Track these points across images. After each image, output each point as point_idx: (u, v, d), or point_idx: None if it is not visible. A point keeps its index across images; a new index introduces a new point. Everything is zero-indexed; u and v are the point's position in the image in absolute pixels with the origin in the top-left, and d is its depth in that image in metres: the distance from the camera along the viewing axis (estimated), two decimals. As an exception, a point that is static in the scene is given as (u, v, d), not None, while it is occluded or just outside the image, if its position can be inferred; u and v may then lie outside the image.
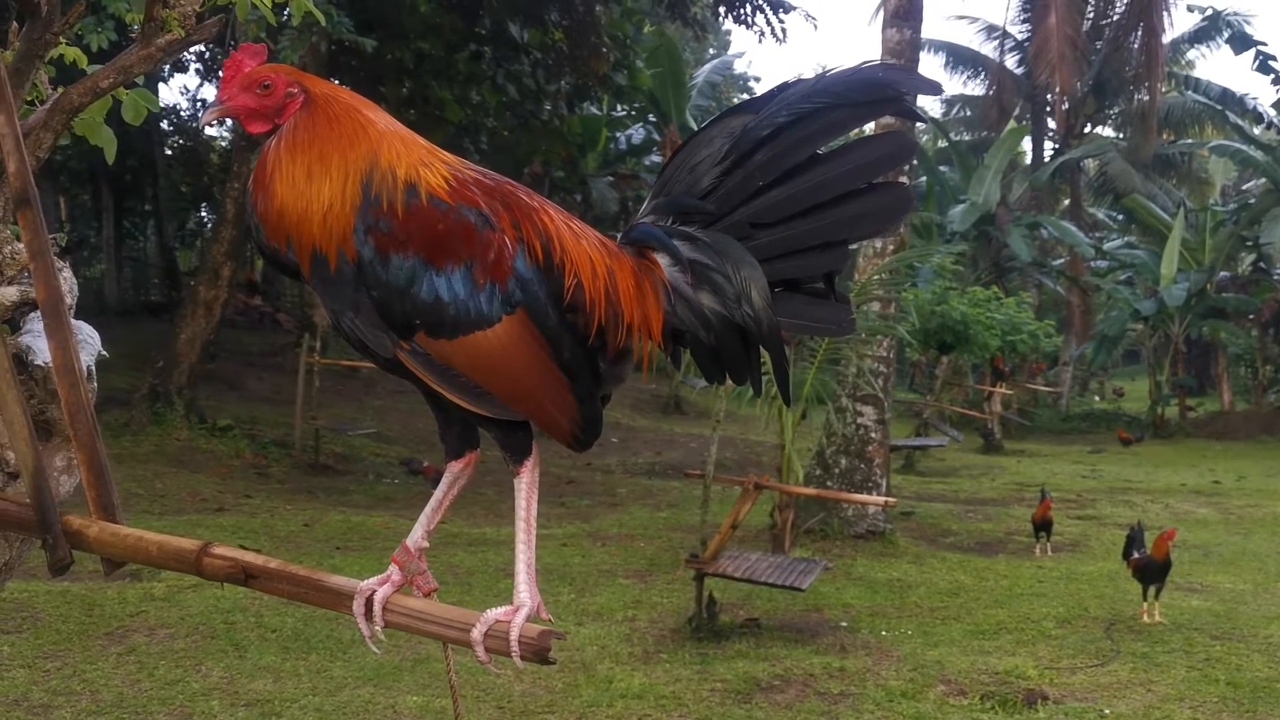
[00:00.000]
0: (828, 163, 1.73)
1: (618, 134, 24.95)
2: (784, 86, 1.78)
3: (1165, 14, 26.91)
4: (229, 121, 1.80)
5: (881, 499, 7.76)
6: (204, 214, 30.27)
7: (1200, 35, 28.27)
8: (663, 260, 1.76)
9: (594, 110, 22.76)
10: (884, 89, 1.74)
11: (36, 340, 2.28)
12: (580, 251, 1.72)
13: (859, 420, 10.29)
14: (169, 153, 25.48)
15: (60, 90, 2.72)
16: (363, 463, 13.76)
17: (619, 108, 24.13)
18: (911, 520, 11.09)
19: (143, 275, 29.08)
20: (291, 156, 1.65)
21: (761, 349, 1.77)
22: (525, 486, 1.72)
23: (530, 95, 16.87)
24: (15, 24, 2.62)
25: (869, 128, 2.43)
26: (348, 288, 1.63)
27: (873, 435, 10.31)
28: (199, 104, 25.95)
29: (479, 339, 1.63)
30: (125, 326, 19.50)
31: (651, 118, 24.54)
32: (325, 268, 1.63)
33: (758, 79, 41.89)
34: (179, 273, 26.39)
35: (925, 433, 18.12)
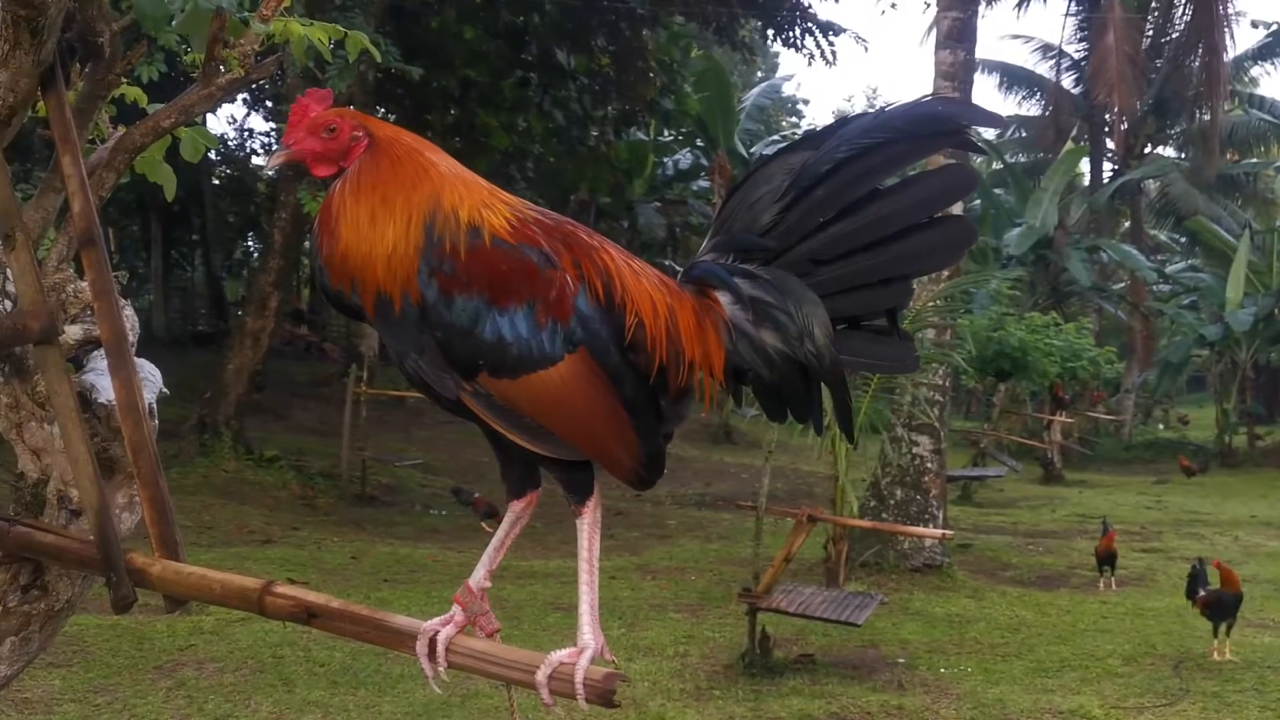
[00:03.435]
0: (888, 197, 1.76)
1: (665, 159, 25.05)
2: (843, 122, 1.82)
3: (1227, 31, 26.60)
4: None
5: (938, 531, 7.70)
6: (251, 244, 30.75)
7: (1264, 52, 27.93)
8: (723, 298, 1.78)
9: (641, 136, 22.90)
10: (944, 122, 1.76)
11: (100, 378, 2.34)
12: (641, 290, 1.75)
13: (914, 450, 10.22)
14: (216, 183, 25.93)
15: (122, 129, 2.80)
16: (410, 494, 13.86)
17: (666, 133, 24.27)
18: (969, 553, 10.98)
19: (190, 305, 29.60)
20: (356, 200, 1.70)
21: (824, 386, 1.79)
22: (587, 527, 1.75)
23: (577, 121, 17.02)
24: (77, 65, 2.70)
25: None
26: (412, 329, 1.66)
27: (929, 465, 10.24)
28: (246, 134, 26.44)
29: (541, 378, 1.66)
30: (173, 357, 19.80)
31: (699, 142, 24.62)
32: (390, 310, 1.67)
33: (806, 102, 42.08)
34: (226, 303, 26.82)
35: (983, 463, 17.92)
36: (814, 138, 1.81)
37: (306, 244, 14.55)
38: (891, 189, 1.77)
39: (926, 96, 1.79)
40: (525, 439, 1.71)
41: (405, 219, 1.68)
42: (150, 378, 2.42)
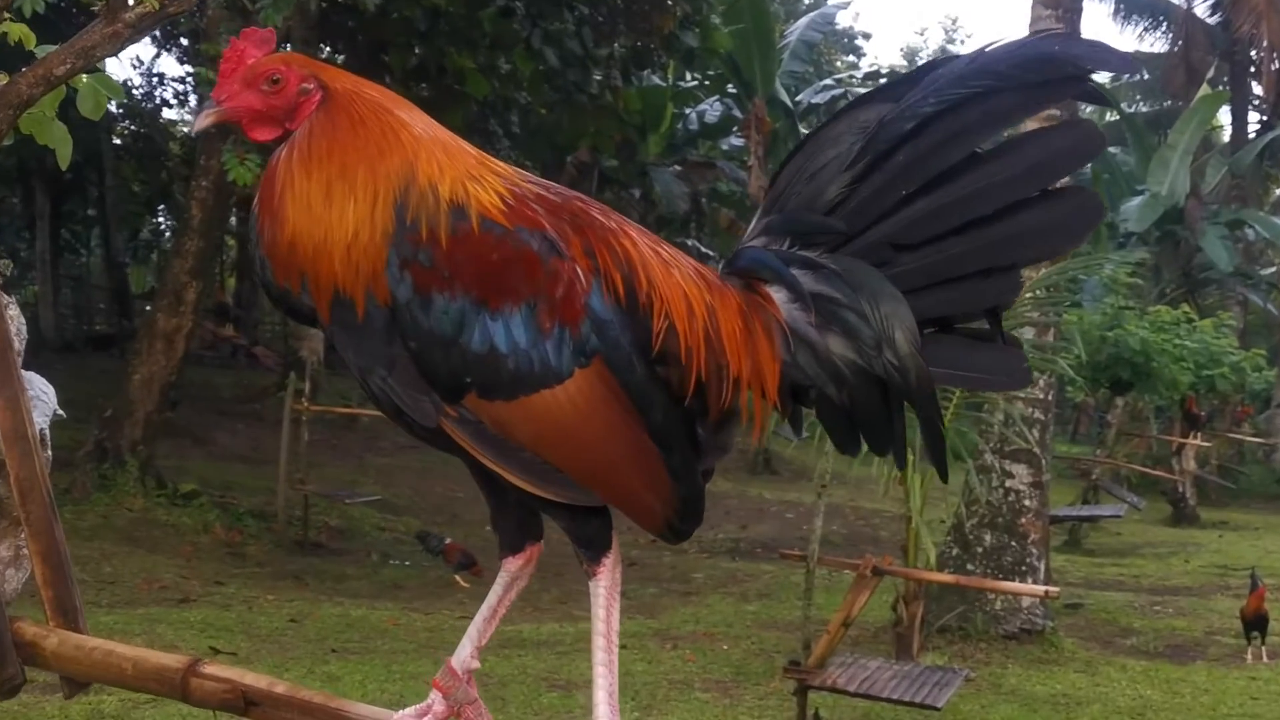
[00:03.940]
0: (990, 164, 1.75)
1: (687, 110, 25.05)
2: (930, 67, 1.81)
3: None
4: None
5: (1040, 588, 7.68)
6: (162, 220, 30.80)
7: None
8: (778, 295, 1.78)
9: (657, 81, 22.88)
10: (1061, 67, 1.75)
11: (-23, 398, 2.34)
12: (672, 285, 1.73)
13: (1008, 483, 10.19)
14: (118, 143, 25.92)
15: (3, 78, 2.80)
16: (364, 539, 13.86)
17: (689, 77, 24.24)
18: (1080, 615, 10.96)
19: (86, 298, 29.67)
20: (306, 171, 1.69)
21: (908, 408, 1.77)
22: (604, 590, 1.73)
23: (575, 62, 16.98)
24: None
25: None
26: (379, 338, 1.66)
27: (1026, 503, 10.20)
28: (156, 80, 26.46)
29: (545, 399, 1.65)
30: (64, 365, 19.88)
31: (731, 88, 24.61)
32: (350, 313, 1.66)
33: (867, 36, 42.10)
34: (131, 296, 26.88)
35: (1095, 499, 17.90)
36: (892, 87, 1.81)
37: (233, 221, 14.58)
38: (993, 153, 1.76)
39: (1037, 33, 1.78)
40: (524, 478, 1.70)
41: (370, 196, 1.67)
42: (42, 396, 2.42)
